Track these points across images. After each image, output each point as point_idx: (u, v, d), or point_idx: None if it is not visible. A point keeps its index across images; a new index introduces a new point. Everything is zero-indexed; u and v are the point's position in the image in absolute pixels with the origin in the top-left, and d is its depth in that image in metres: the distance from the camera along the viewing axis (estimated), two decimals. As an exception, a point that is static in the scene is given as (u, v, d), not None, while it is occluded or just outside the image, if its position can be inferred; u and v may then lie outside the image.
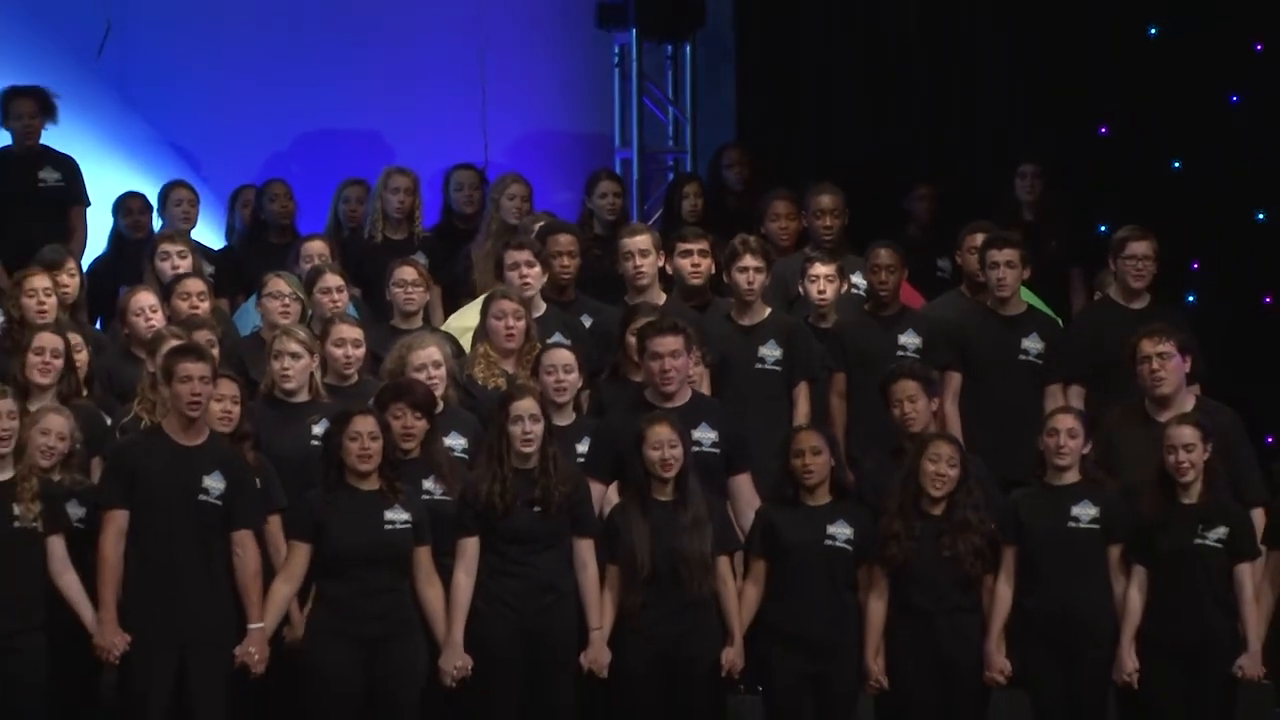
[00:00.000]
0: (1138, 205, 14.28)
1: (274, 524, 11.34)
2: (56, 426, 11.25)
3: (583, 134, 16.72)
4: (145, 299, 12.49)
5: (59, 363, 11.63)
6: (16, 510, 10.96)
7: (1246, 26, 15.86)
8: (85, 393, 11.84)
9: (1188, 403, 11.84)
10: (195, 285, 12.63)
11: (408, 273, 12.92)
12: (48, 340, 11.66)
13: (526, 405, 11.39)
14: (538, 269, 12.73)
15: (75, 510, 11.18)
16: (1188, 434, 11.38)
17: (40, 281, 12.34)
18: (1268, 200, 15.70)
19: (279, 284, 12.62)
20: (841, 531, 11.49)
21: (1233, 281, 15.60)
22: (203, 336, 11.88)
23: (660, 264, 12.89)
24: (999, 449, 12.15)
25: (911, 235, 14.49)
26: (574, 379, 11.92)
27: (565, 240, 13.23)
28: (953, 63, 16.20)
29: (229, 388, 11.39)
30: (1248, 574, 11.36)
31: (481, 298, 12.86)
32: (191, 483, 11.07)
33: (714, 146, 16.20)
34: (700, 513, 11.45)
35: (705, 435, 11.79)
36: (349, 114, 16.19)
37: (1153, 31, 16.12)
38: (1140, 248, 12.73)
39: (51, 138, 14.75)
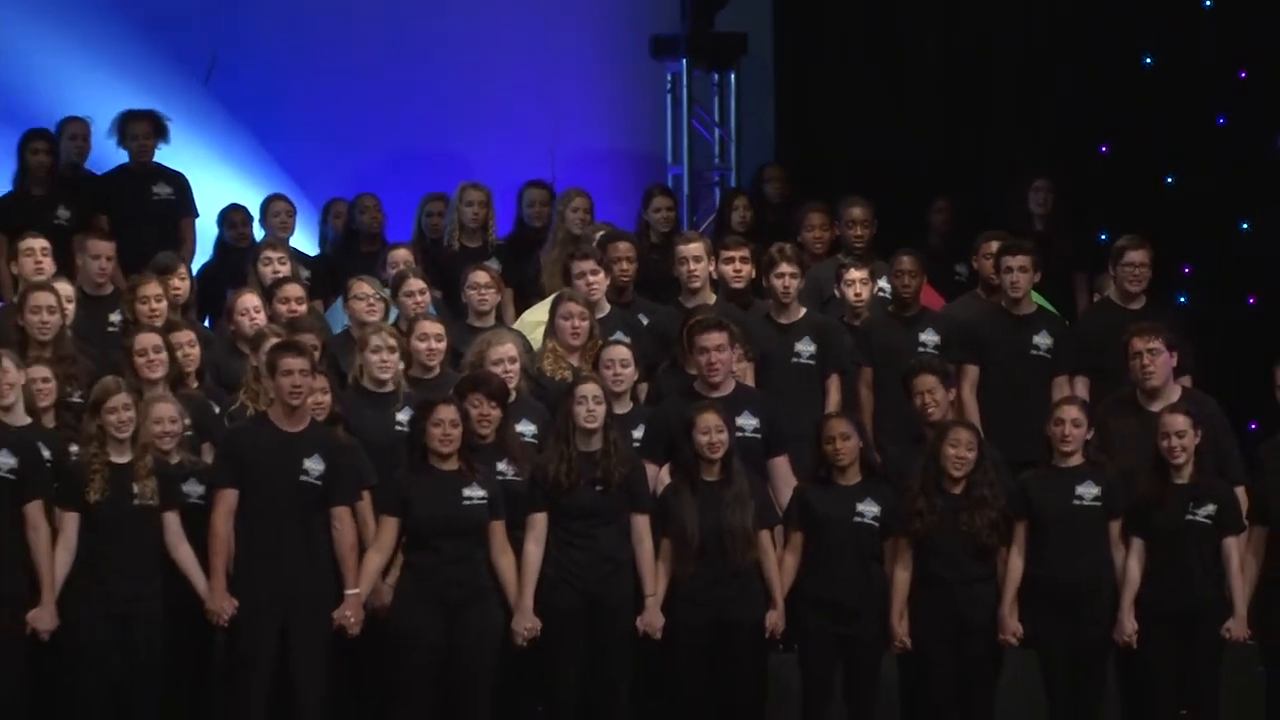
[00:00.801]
0: (1134, 216, 14.28)
1: (365, 500, 11.40)
2: (167, 413, 11.28)
3: (639, 153, 16.72)
4: (249, 300, 12.54)
5: (162, 357, 11.62)
6: (135, 489, 10.98)
7: (1231, 56, 15.84)
8: (196, 384, 11.87)
9: (1174, 393, 11.84)
10: (294, 289, 12.66)
11: (481, 277, 12.93)
12: (148, 340, 11.66)
13: (591, 389, 11.48)
14: (601, 275, 12.76)
15: (194, 488, 11.25)
16: (1180, 422, 11.40)
17: (152, 289, 12.36)
18: (1251, 211, 15.68)
19: (363, 287, 12.65)
20: (869, 509, 11.49)
21: (1220, 284, 15.59)
22: (308, 338, 11.91)
23: (710, 269, 12.92)
24: (1011, 434, 12.12)
25: (931, 243, 14.49)
26: (630, 372, 11.96)
27: (624, 248, 13.24)
28: (970, 89, 16.20)
29: (320, 380, 11.47)
30: (1234, 547, 11.38)
31: (549, 299, 12.88)
32: (294, 465, 11.13)
33: (755, 164, 16.21)
34: (743, 491, 11.47)
35: (748, 422, 11.81)
36: (431, 135, 16.19)
37: (1148, 61, 16.10)
38: (1137, 255, 12.73)
39: (164, 155, 14.76)
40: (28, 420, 11.21)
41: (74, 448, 11.13)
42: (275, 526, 11.12)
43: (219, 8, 16.11)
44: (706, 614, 11.44)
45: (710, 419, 11.44)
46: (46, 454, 11.07)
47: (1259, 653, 11.46)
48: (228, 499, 11.11)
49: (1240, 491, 11.62)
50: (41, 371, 11.36)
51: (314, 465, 11.17)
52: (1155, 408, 11.72)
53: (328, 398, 11.50)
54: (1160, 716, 11.39)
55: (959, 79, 16.24)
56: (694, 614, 11.44)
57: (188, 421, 11.41)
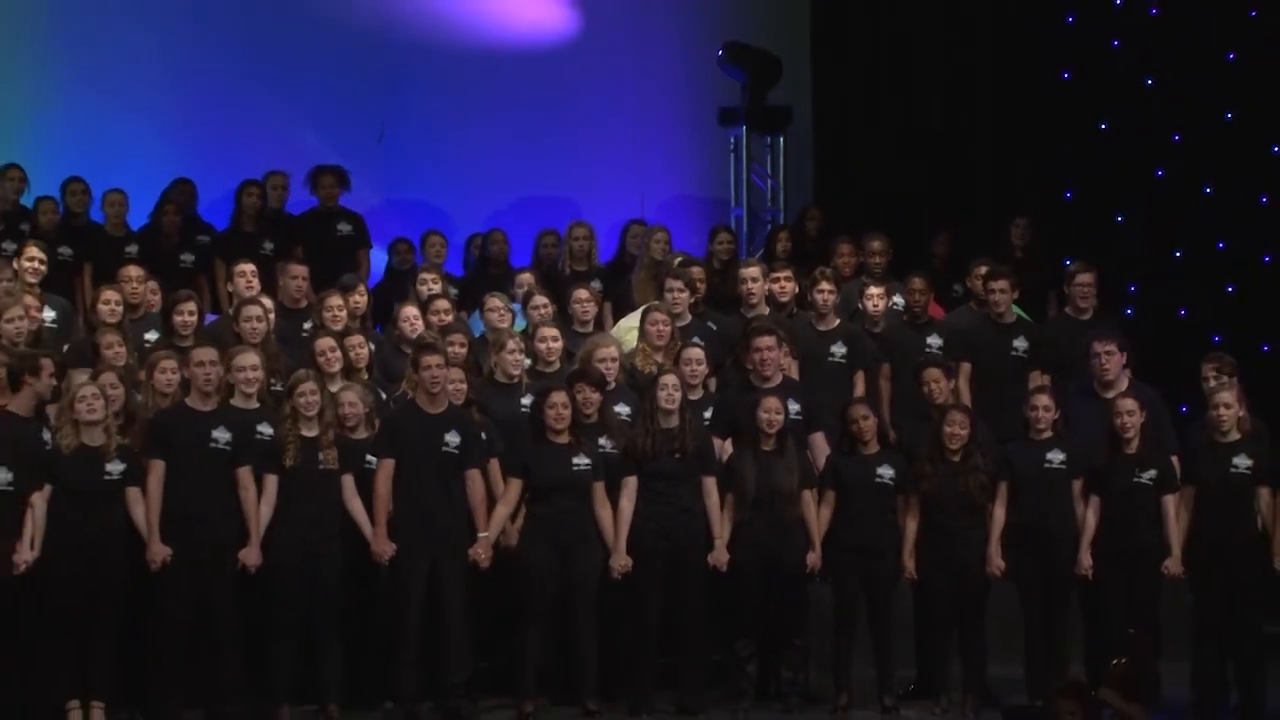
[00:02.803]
0: (1093, 248, 14.16)
1: (494, 466, 11.35)
2: (350, 398, 11.29)
3: (708, 198, 16.68)
4: (410, 312, 12.50)
5: (336, 355, 11.63)
6: (320, 457, 11.00)
7: (1168, 122, 15.72)
8: (366, 377, 11.83)
9: (1124, 383, 11.78)
10: (444, 303, 12.63)
11: (583, 294, 12.90)
12: (324, 343, 11.67)
13: (671, 380, 11.48)
14: (686, 294, 12.74)
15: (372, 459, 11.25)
16: (1129, 405, 11.37)
17: (335, 302, 12.35)
18: (1184, 243, 15.56)
19: (495, 300, 12.58)
20: (885, 472, 11.44)
21: (1158, 300, 15.46)
22: (457, 340, 11.90)
23: (763, 287, 12.85)
24: (997, 415, 12.02)
25: (935, 268, 14.35)
26: (703, 368, 11.93)
27: (696, 271, 13.18)
28: (965, 148, 16.10)
29: (455, 371, 11.44)
30: (1171, 503, 11.29)
31: (641, 309, 12.83)
32: (436, 438, 11.11)
33: (798, 207, 16.15)
34: (791, 459, 11.44)
35: (792, 406, 11.72)
36: (548, 182, 16.15)
37: (1103, 126, 16.00)
38: (1085, 277, 12.70)
39: (346, 200, 14.76)
40: (255, 405, 11.21)
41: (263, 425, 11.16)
42: (423, 486, 11.11)
43: (393, 83, 16.07)
44: (761, 554, 11.39)
45: (772, 403, 11.45)
46: (268, 431, 11.05)
47: (1188, 584, 11.32)
48: (387, 466, 11.11)
49: (1175, 460, 11.52)
50: (251, 359, 11.32)
51: (452, 438, 11.16)
52: (1109, 395, 11.66)
53: (464, 385, 11.46)
54: (1111, 633, 11.24)
55: (957, 140, 16.16)
56: (751, 554, 11.38)
57: (370, 402, 11.40)
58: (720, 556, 11.36)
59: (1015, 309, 12.94)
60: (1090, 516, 11.36)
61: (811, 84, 16.92)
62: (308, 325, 12.44)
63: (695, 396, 11.76)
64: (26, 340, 11.54)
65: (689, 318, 12.70)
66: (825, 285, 12.69)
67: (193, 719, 10.95)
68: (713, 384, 12.20)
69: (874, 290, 12.92)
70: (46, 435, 10.88)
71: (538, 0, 16.62)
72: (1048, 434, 11.47)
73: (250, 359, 11.26)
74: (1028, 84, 16.08)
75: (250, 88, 15.68)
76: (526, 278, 13.34)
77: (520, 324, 12.64)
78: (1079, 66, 16.10)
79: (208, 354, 11.14)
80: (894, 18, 16.45)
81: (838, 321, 12.71)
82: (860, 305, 12.91)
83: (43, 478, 10.71)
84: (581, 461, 11.27)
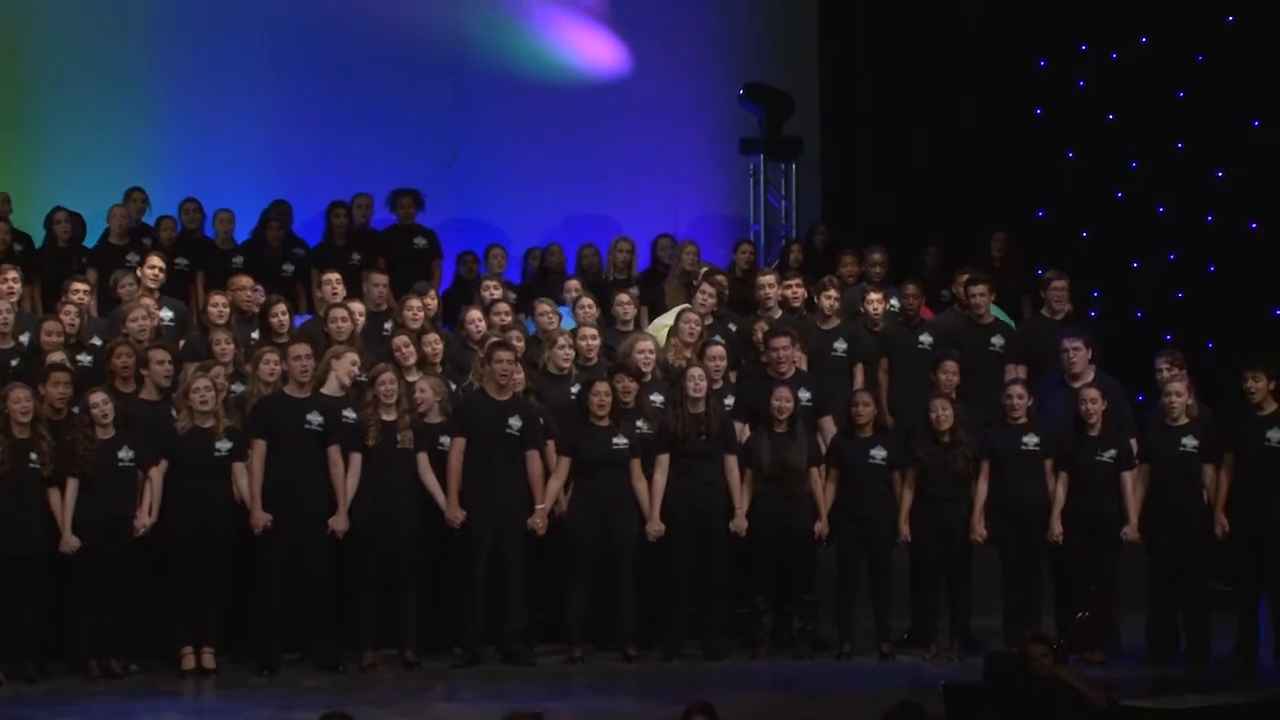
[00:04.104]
0: (1062, 259, 14.06)
1: (550, 446, 11.33)
2: (423, 387, 11.31)
3: (731, 216, 16.62)
4: (475, 314, 12.45)
5: (410, 351, 11.60)
6: (399, 438, 11.00)
7: (1127, 151, 15.69)
8: (440, 370, 11.82)
9: (1090, 375, 11.72)
10: (504, 308, 12.55)
11: (624, 298, 12.87)
12: (399, 341, 11.66)
13: (698, 372, 11.45)
14: (714, 299, 12.73)
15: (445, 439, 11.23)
16: (1094, 394, 11.33)
17: (412, 304, 12.34)
18: (1140, 255, 15.52)
19: (543, 305, 12.57)
20: (879, 452, 11.41)
21: (1118, 304, 15.41)
22: (514, 337, 11.90)
23: (777, 293, 12.83)
24: (979, 402, 11.95)
25: (926, 276, 14.29)
26: (724, 363, 11.91)
27: (721, 279, 13.17)
28: (951, 173, 16.04)
29: (519, 365, 11.45)
30: (1129, 478, 11.26)
31: (672, 311, 12.84)
32: (501, 422, 11.13)
33: (808, 223, 16.09)
34: (801, 440, 11.41)
35: (803, 395, 11.70)
36: (592, 202, 16.10)
37: (1070, 155, 15.95)
38: (1058, 283, 12.65)
39: (421, 217, 14.74)
40: (342, 393, 11.20)
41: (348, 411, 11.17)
42: (490, 462, 11.12)
43: (461, 117, 16.03)
44: (775, 522, 11.36)
45: (784, 392, 11.43)
46: (353, 415, 11.02)
47: (1144, 548, 11.29)
48: (459, 444, 11.12)
49: (1133, 441, 11.48)
50: (354, 356, 11.36)
51: (515, 422, 11.17)
52: (1077, 385, 11.60)
53: (523, 376, 11.45)
54: (1078, 591, 11.24)
55: (944, 167, 16.10)
56: (767, 522, 11.36)
57: (443, 391, 11.40)
58: (740, 524, 11.34)
59: (994, 310, 12.89)
60: (1060, 490, 11.31)
61: (820, 119, 16.89)
62: (388, 325, 12.43)
63: (718, 386, 11.73)
64: (148, 337, 11.60)
65: (711, 318, 12.67)
66: (831, 291, 12.71)
67: (291, 661, 11.00)
68: (733, 376, 12.17)
69: (874, 295, 12.87)
70: (175, 414, 10.96)
71: (585, 47, 16.59)
72: (1022, 419, 11.42)
73: (352, 356, 11.31)
74: (1006, 118, 16.03)
75: (339, 121, 15.67)
76: (575, 284, 13.33)
77: (569, 324, 12.62)
78: (1049, 104, 16.07)
79: (303, 349, 11.17)
80: (891, 62, 16.39)
81: (841, 322, 12.67)
82: (862, 308, 12.86)
83: (160, 454, 10.76)
84: (621, 441, 11.25)
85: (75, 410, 10.83)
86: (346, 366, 11.22)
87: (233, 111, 15.41)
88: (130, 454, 10.68)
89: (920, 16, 16.23)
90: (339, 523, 10.90)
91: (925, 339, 12.66)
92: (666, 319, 12.87)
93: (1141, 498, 11.27)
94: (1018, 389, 11.55)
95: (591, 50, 16.61)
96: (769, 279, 12.94)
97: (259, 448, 10.89)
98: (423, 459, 11.09)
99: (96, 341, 11.88)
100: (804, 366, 12.13)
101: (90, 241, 14.06)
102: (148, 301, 12.07)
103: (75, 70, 15.16)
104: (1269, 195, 14.60)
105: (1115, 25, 15.71)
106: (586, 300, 12.81)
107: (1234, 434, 11.22)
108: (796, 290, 12.84)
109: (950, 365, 11.76)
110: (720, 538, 11.36)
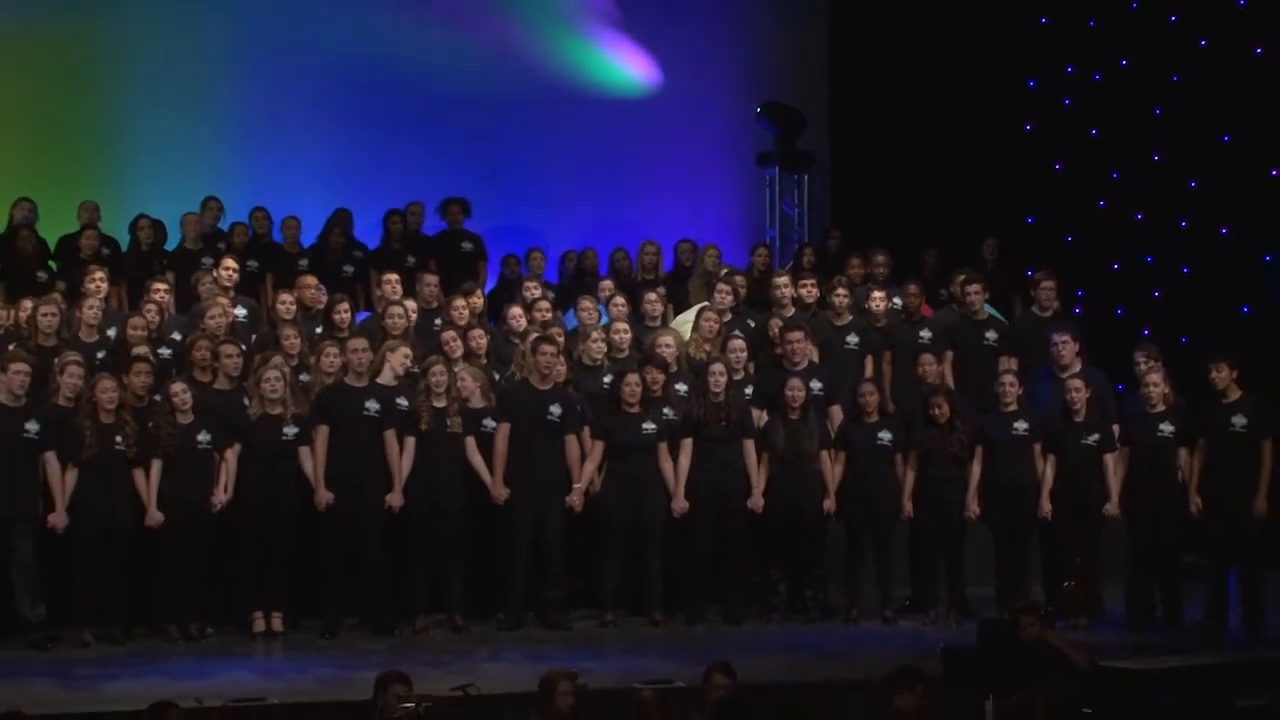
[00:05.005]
0: (1049, 261, 13.99)
1: (586, 431, 11.30)
2: (467, 376, 11.29)
3: (749, 222, 16.61)
4: (517, 311, 12.47)
5: (457, 344, 11.63)
6: (448, 423, 11.00)
7: (1108, 162, 15.63)
8: (485, 361, 11.81)
9: (1076, 366, 11.66)
10: (544, 305, 12.56)
11: (653, 296, 12.91)
12: (448, 335, 11.70)
13: (719, 365, 11.43)
14: (731, 298, 12.69)
15: (490, 423, 11.21)
16: (1079, 384, 11.32)
17: (460, 302, 12.34)
18: (1120, 258, 15.45)
19: (585, 302, 12.57)
20: (885, 436, 11.39)
21: (1101, 303, 15.35)
22: (557, 333, 11.87)
23: (792, 292, 12.78)
24: (973, 391, 11.95)
25: (926, 276, 14.24)
26: (744, 355, 11.86)
27: (739, 280, 13.16)
28: (949, 183, 16.00)
29: (560, 358, 11.42)
30: (1111, 460, 11.23)
31: (694, 308, 12.81)
32: (543, 410, 11.11)
33: (820, 229, 16.10)
34: (812, 426, 11.40)
35: (815, 385, 11.67)
36: (622, 208, 16.11)
37: (1057, 167, 15.90)
38: (1048, 284, 12.52)
39: (468, 223, 14.72)
40: (396, 382, 11.19)
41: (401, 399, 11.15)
42: (532, 446, 11.10)
43: (503, 133, 16.03)
44: (789, 500, 11.35)
45: (796, 382, 11.41)
46: (406, 403, 11.01)
47: (1124, 524, 11.27)
48: (505, 429, 11.11)
49: (1115, 427, 11.44)
50: (406, 349, 11.36)
51: (555, 409, 11.14)
52: (1064, 375, 11.56)
53: (564, 368, 11.43)
54: (1064, 563, 11.18)
55: (943, 178, 16.05)
56: (781, 500, 11.35)
57: (482, 380, 11.38)
58: (757, 502, 11.32)
59: (988, 308, 12.84)
60: (1048, 471, 11.28)
61: (829, 135, 16.91)
62: (438, 321, 12.42)
63: (738, 377, 11.71)
64: (224, 332, 11.62)
65: (730, 315, 12.64)
66: (841, 290, 12.65)
67: (351, 625, 11.02)
68: (751, 367, 12.12)
69: (878, 294, 12.82)
70: (247, 401, 10.97)
71: (617, 69, 16.59)
72: (1013, 406, 11.38)
73: (405, 349, 11.30)
74: (998, 133, 15.99)
75: (394, 137, 15.67)
76: (607, 284, 13.32)
77: (603, 320, 12.60)
78: (1038, 120, 16.02)
79: (361, 343, 11.18)
80: (894, 84, 16.35)
81: (850, 318, 12.61)
82: (867, 305, 12.81)
83: (234, 438, 10.78)
84: (649, 427, 11.22)
85: (157, 398, 10.88)
86: (400, 359, 11.22)
87: (298, 129, 15.45)
88: (208, 437, 10.70)
89: (920, 43, 16.20)
90: (395, 500, 10.90)
91: (925, 334, 12.60)
92: (689, 316, 12.83)
93: (1122, 478, 11.22)
94: (1010, 379, 11.51)
95: (623, 73, 16.62)
96: (784, 279, 12.89)
97: (322, 433, 10.89)
98: (470, 442, 11.07)
99: (176, 336, 11.93)
100: (816, 359, 12.09)
101: (169, 246, 14.08)
102: (223, 300, 12.09)
103: (158, 95, 15.22)
104: (1237, 203, 14.52)
105: (1098, 49, 15.67)
106: (618, 298, 12.79)
107: (1204, 421, 11.16)
108: (810, 290, 12.80)
109: (926, 358, 11.84)
110: (739, 515, 11.33)
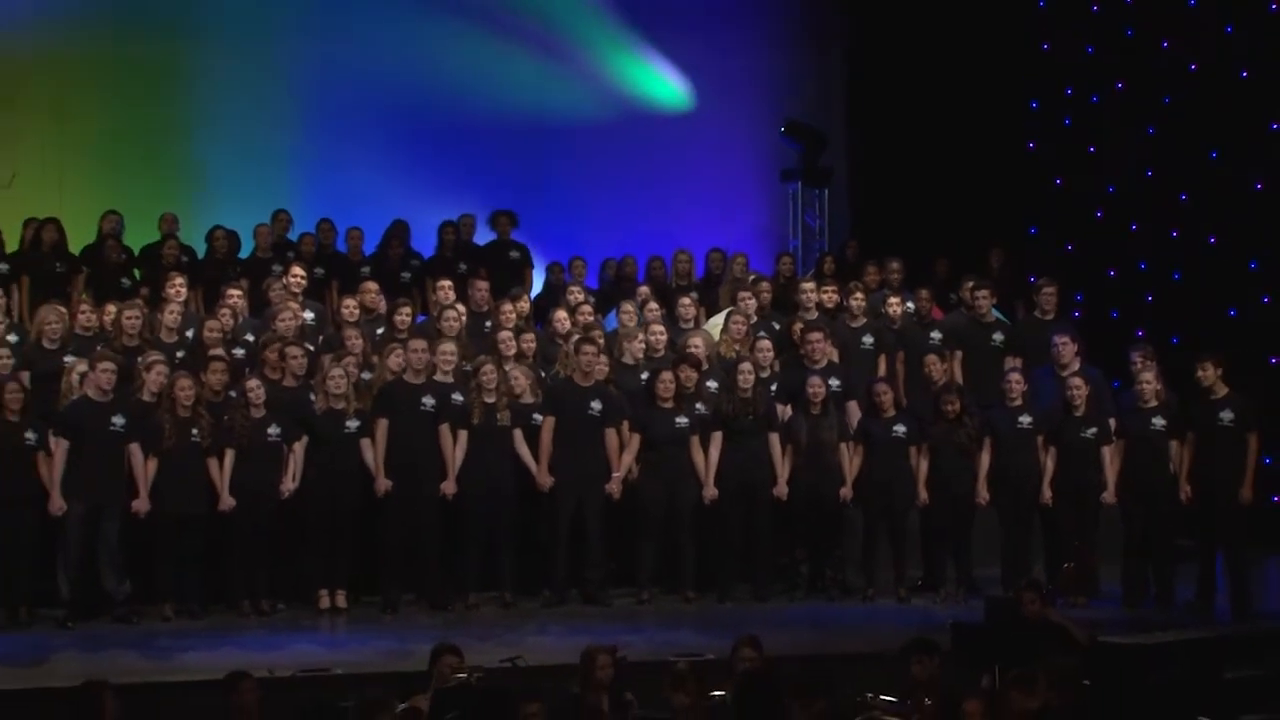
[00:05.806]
0: (1050, 269, 13.90)
1: (624, 425, 11.27)
2: (516, 374, 11.26)
3: (774, 233, 16.60)
4: (561, 315, 12.45)
5: (512, 344, 11.60)
6: (498, 417, 11.00)
7: (1105, 178, 15.52)
8: (531, 360, 11.80)
9: (1076, 365, 11.60)
10: (586, 308, 12.56)
11: (686, 301, 12.88)
12: (502, 336, 11.67)
13: (747, 365, 11.40)
14: (755, 302, 12.67)
15: (537, 417, 11.18)
16: (1079, 381, 11.26)
17: (508, 307, 12.34)
18: (1116, 265, 15.35)
19: (627, 306, 12.57)
20: (900, 429, 11.35)
21: (1098, 306, 15.25)
22: (598, 334, 11.86)
23: (814, 297, 12.73)
24: (981, 388, 11.87)
25: (937, 282, 14.17)
26: (770, 355, 11.86)
27: (765, 285, 13.11)
28: (958, 197, 15.90)
29: (602, 356, 11.41)
30: (1108, 452, 11.17)
31: (724, 312, 12.77)
32: (584, 404, 11.11)
33: (840, 239, 16.06)
34: (832, 420, 11.37)
35: (834, 382, 11.64)
36: (661, 220, 16.08)
37: (1058, 181, 15.81)
38: (1049, 289, 12.43)
39: (515, 234, 14.70)
40: (451, 380, 11.19)
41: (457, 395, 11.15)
42: (576, 438, 11.09)
43: (549, 150, 16.06)
44: (810, 488, 11.31)
45: (817, 380, 11.38)
46: (459, 398, 11.01)
47: (1120, 511, 11.19)
48: (550, 422, 11.09)
49: (1111, 421, 11.36)
50: (450, 347, 11.34)
51: (596, 405, 11.14)
52: (1064, 374, 11.50)
53: (605, 366, 11.41)
54: (1064, 546, 11.16)
55: (952, 192, 15.95)
56: (803, 488, 11.32)
57: (531, 377, 11.37)
58: (781, 490, 11.29)
59: (994, 312, 12.76)
60: (1050, 462, 11.22)
61: (848, 152, 16.86)
62: (488, 324, 12.41)
63: (764, 375, 11.68)
64: (293, 334, 11.64)
65: (756, 317, 12.63)
66: (858, 295, 12.62)
67: (409, 602, 11.02)
68: (776, 365, 12.09)
69: (893, 298, 12.78)
70: (314, 397, 10.98)
71: (652, 92, 16.60)
72: (1018, 402, 11.33)
73: (450, 348, 11.31)
74: (1003, 151, 15.91)
75: (448, 154, 15.73)
76: (644, 290, 13.31)
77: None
78: (1040, 138, 15.94)
79: (421, 344, 11.20)
80: (908, 105, 16.29)
81: (866, 320, 12.58)
82: (883, 309, 12.76)
83: (301, 431, 10.80)
84: (683, 421, 11.20)
85: (232, 394, 10.91)
86: (445, 358, 11.20)
87: (360, 148, 15.53)
88: (277, 430, 10.72)
89: (931, 68, 16.14)
90: (449, 487, 10.90)
91: (936, 336, 12.54)
92: (718, 319, 12.81)
93: (1118, 468, 11.16)
94: (1015, 376, 11.45)
95: (658, 95, 16.61)
96: (809, 285, 12.82)
97: (382, 426, 10.89)
98: (518, 435, 11.07)
99: (249, 337, 11.97)
100: (835, 358, 12.04)
101: (243, 254, 14.12)
102: (293, 304, 12.11)
103: (232, 119, 15.32)
104: (1225, 215, 14.42)
105: (1095, 73, 15.58)
106: (654, 303, 12.78)
107: (1193, 415, 11.08)
108: (830, 295, 12.75)
109: (931, 358, 11.78)
110: (765, 502, 11.30)
